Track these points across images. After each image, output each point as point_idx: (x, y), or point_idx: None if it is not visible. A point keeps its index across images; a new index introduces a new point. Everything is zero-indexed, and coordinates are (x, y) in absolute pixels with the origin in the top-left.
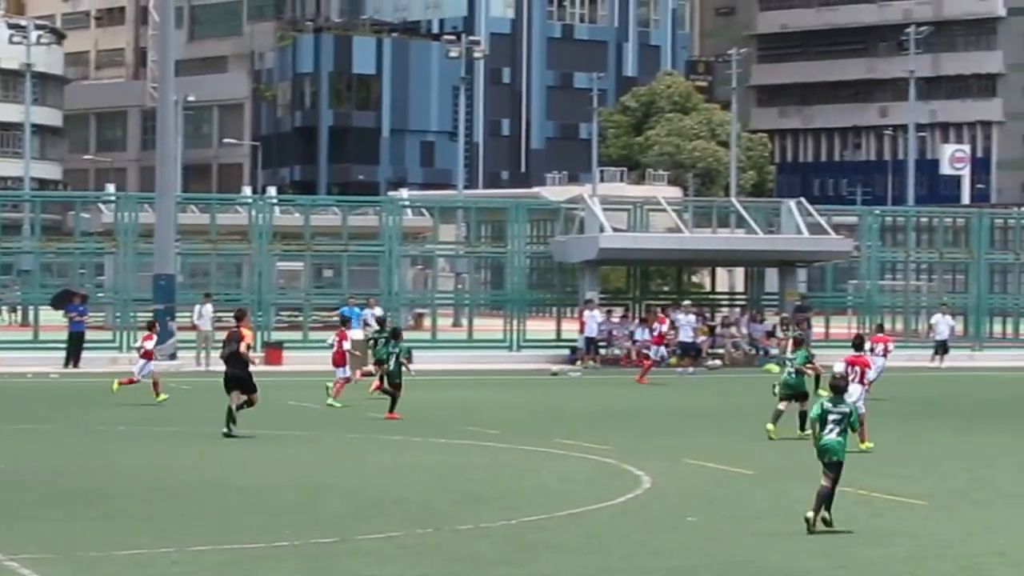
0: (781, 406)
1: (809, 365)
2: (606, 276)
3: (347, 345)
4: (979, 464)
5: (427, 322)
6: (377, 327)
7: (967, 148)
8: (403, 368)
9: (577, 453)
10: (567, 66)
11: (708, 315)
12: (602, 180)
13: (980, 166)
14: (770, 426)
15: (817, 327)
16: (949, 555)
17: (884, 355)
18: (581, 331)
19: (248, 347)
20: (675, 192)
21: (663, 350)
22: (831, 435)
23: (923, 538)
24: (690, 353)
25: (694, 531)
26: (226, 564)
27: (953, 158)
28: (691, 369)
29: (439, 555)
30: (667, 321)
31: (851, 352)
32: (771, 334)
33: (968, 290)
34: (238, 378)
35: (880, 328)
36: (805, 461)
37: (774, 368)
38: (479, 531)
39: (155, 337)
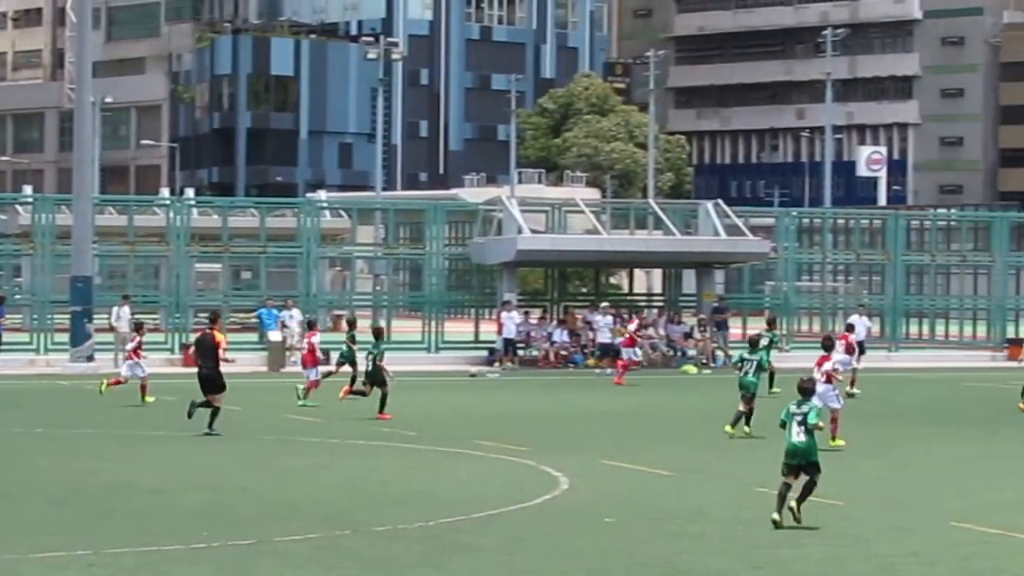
0: (742, 407)
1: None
2: (524, 277)
3: (316, 339)
4: (895, 464)
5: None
6: (347, 328)
7: (883, 150)
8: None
9: (495, 454)
10: (485, 68)
11: (626, 316)
12: (520, 182)
13: (896, 168)
14: (729, 428)
15: (734, 328)
16: (864, 555)
17: (849, 352)
18: (499, 332)
19: (224, 349)
20: (593, 194)
21: (638, 351)
22: (798, 437)
23: (839, 538)
24: (608, 354)
25: (612, 532)
26: (143, 566)
27: (870, 160)
28: (609, 370)
29: (356, 557)
30: (636, 322)
31: (821, 353)
32: (688, 335)
33: (884, 291)
34: (210, 379)
35: (850, 328)
36: (723, 461)
37: (692, 369)
38: (396, 533)
39: (140, 340)
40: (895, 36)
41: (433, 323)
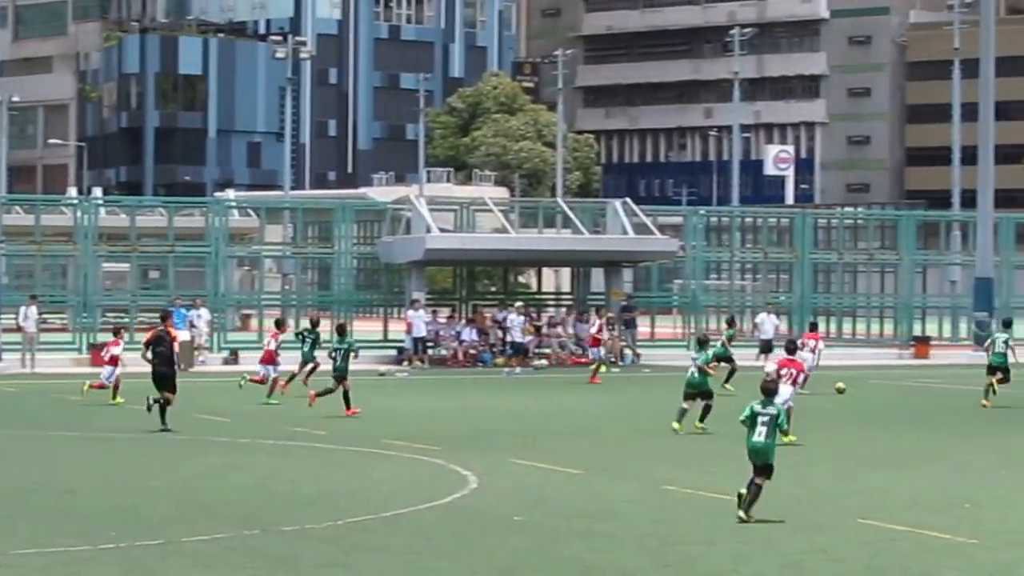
0: (685, 404)
1: (712, 365)
2: (433, 277)
3: (272, 344)
4: (801, 463)
5: (254, 323)
6: (310, 327)
7: (791, 149)
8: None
9: (404, 454)
10: (394, 67)
11: (535, 315)
12: (429, 181)
13: (804, 167)
14: (676, 424)
15: (643, 327)
16: (772, 553)
17: (813, 352)
18: (408, 332)
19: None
20: (502, 193)
21: (602, 351)
22: (760, 437)
23: (748, 536)
24: (519, 353)
25: (521, 531)
26: (51, 567)
27: (777, 159)
28: (518, 369)
29: (264, 557)
30: (597, 323)
31: (785, 356)
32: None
33: (792, 289)
34: (165, 376)
35: (813, 327)
36: (633, 460)
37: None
38: (305, 532)
39: (121, 343)
40: (802, 35)
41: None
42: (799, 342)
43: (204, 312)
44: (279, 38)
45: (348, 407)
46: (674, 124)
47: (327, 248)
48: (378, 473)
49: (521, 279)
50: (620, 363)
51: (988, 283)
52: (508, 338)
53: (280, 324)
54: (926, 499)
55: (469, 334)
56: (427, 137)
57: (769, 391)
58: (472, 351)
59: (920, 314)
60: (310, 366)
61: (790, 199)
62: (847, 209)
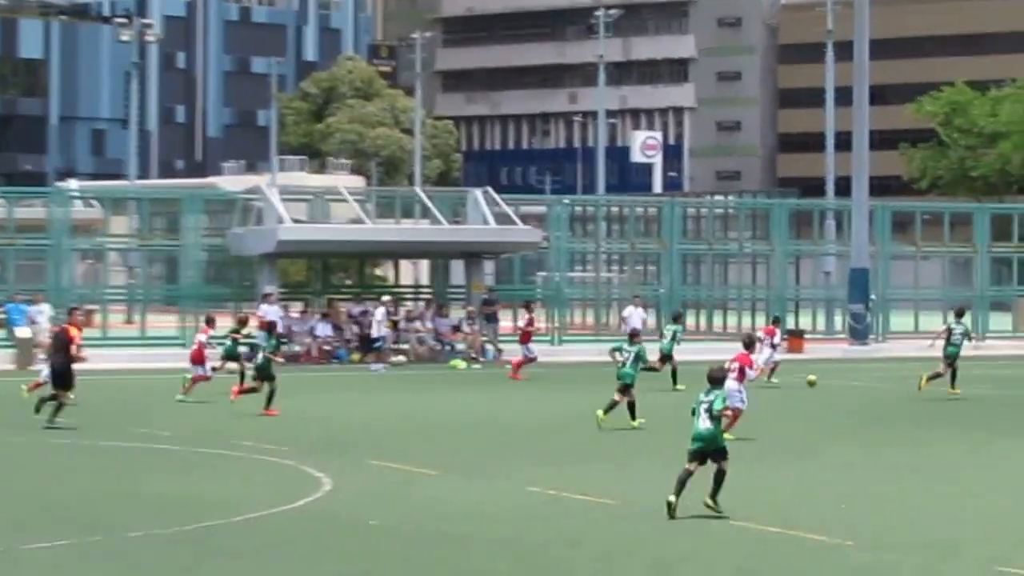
0: (616, 397)
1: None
2: (285, 269)
3: (203, 337)
4: (669, 464)
5: (98, 319)
6: (238, 324)
7: (659, 135)
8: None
9: (255, 455)
10: (244, 50)
11: (392, 309)
12: (281, 169)
13: (672, 153)
14: (600, 413)
15: (505, 320)
16: (638, 556)
17: (772, 347)
18: (260, 327)
19: (78, 345)
20: (357, 181)
21: (533, 348)
22: (703, 424)
23: (613, 538)
24: (373, 348)
25: (377, 535)
26: None
27: (644, 145)
28: (380, 366)
29: (108, 564)
30: (527, 317)
31: (741, 351)
32: (457, 328)
33: (661, 281)
34: (61, 374)
35: (776, 321)
36: (493, 460)
37: (460, 364)
38: (151, 538)
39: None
40: (670, 17)
41: (190, 318)
42: (760, 335)
43: (46, 308)
44: (124, 20)
45: (268, 407)
46: (537, 110)
47: (174, 240)
48: (227, 475)
49: (378, 272)
50: (482, 359)
51: (864, 274)
52: (375, 332)
53: (210, 321)
54: (801, 499)
55: (323, 329)
56: (279, 124)
57: (715, 379)
58: (327, 347)
59: (793, 307)
60: (237, 365)
61: (658, 187)
62: (717, 197)
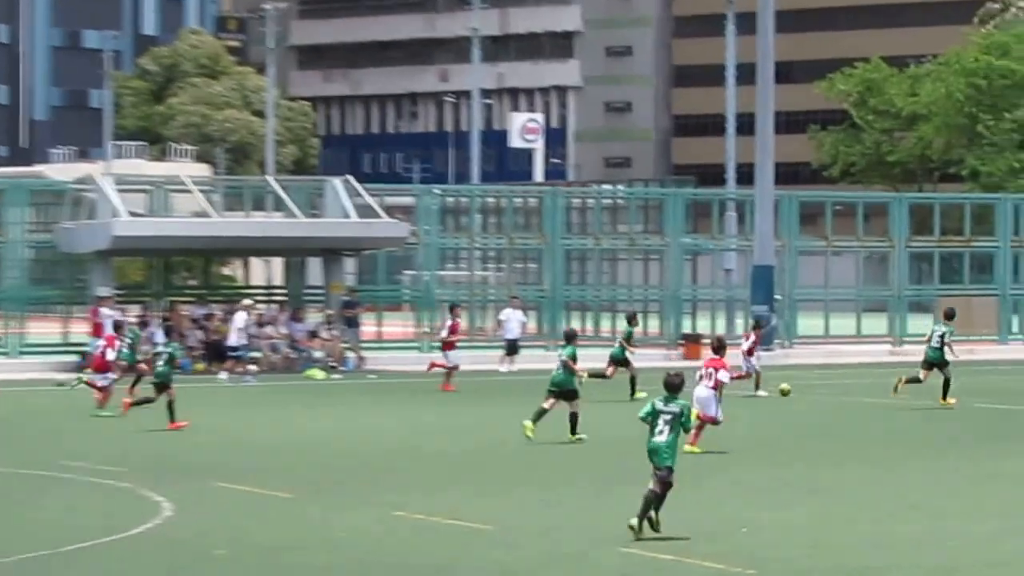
0: (545, 404)
1: (573, 363)
2: (122, 269)
3: (111, 355)
4: (554, 485)
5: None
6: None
7: (540, 117)
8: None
9: (85, 477)
10: (75, 23)
11: (253, 314)
12: (117, 156)
13: (555, 138)
14: (528, 424)
15: (368, 325)
16: None
17: (749, 353)
18: (94, 334)
19: None
20: (203, 170)
21: (457, 354)
22: (660, 437)
23: (487, 568)
24: (222, 356)
25: (223, 566)
26: None
27: (524, 129)
28: (224, 375)
29: None
30: (447, 324)
31: (711, 355)
32: (314, 334)
33: (542, 281)
34: None
35: (757, 325)
36: (358, 482)
37: (318, 374)
38: None
39: None
40: None
41: (13, 323)
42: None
43: None
44: None
45: (172, 420)
46: (404, 89)
47: None
48: (53, 501)
49: (226, 271)
50: (341, 368)
51: (768, 272)
52: (234, 340)
53: (119, 328)
54: (699, 523)
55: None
56: (115, 105)
57: (673, 386)
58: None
59: (690, 308)
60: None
61: (539, 176)
62: (605, 187)
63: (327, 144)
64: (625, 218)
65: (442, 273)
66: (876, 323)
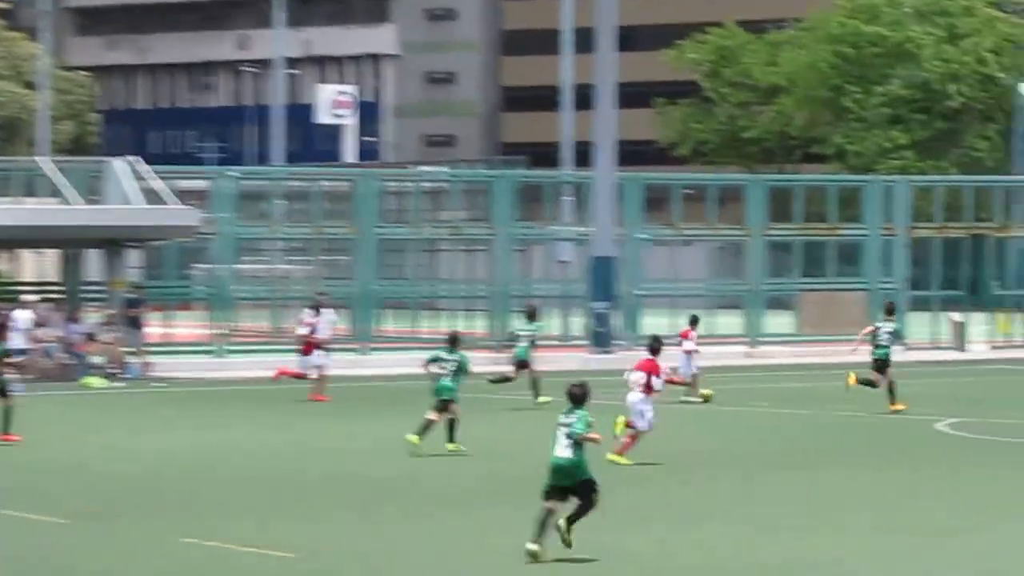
0: (432, 416)
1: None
2: None
3: None
4: (369, 508)
5: None
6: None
7: (352, 90)
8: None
9: None
10: None
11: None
12: None
13: (369, 113)
14: (412, 438)
15: (155, 327)
16: None
17: (689, 353)
18: None
19: None
20: None
21: (313, 359)
22: (563, 452)
23: None
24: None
25: None
26: None
27: (333, 103)
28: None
29: None
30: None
31: (646, 356)
32: (92, 337)
33: (354, 275)
34: None
35: (694, 321)
36: (142, 504)
37: (96, 382)
38: None
39: None
40: None
41: None
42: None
43: None
44: None
45: (6, 431)
46: (197, 58)
47: None
48: None
49: None
50: (123, 375)
51: (609, 264)
52: (18, 343)
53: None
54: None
55: None
56: None
57: (575, 396)
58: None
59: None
60: None
61: (351, 156)
62: (425, 169)
63: (109, 120)
64: (448, 204)
65: (240, 267)
66: (731, 321)
